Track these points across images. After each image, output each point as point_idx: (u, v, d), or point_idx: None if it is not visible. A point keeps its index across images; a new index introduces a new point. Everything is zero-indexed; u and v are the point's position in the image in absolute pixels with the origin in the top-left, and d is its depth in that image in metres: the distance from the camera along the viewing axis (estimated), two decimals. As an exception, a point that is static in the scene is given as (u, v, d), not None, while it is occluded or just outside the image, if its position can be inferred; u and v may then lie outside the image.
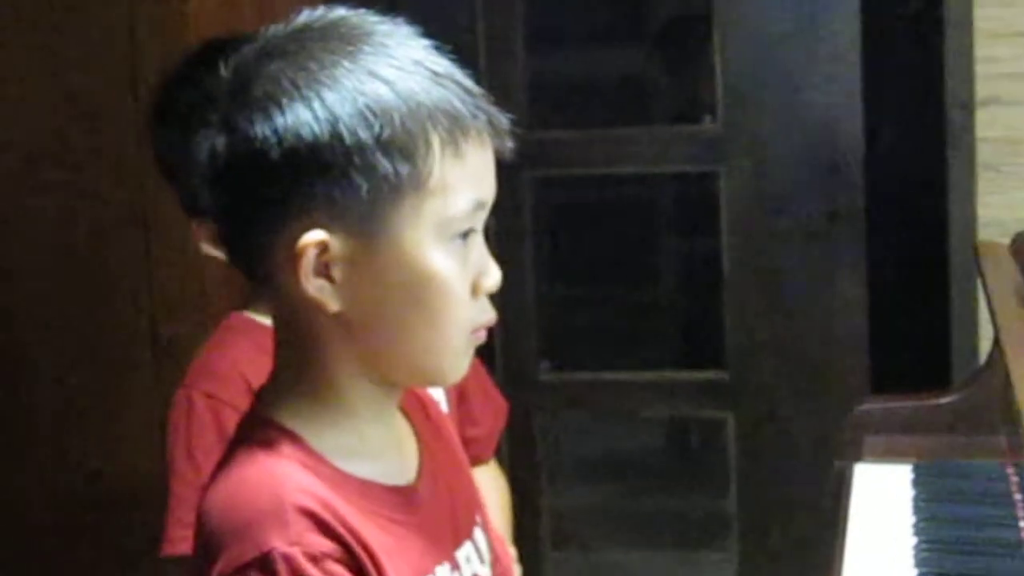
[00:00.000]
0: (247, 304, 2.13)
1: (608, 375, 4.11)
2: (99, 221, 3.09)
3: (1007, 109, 3.29)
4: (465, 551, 1.50)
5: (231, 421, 1.94)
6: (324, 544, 1.30)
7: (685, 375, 4.06)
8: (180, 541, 1.99)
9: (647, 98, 4.23)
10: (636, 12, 4.29)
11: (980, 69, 3.32)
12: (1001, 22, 3.28)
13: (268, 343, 1.95)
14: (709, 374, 3.91)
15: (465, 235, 1.36)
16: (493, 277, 1.39)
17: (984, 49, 3.30)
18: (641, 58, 4.27)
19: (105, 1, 3.08)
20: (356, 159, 1.30)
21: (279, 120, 1.30)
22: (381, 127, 1.30)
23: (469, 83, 1.37)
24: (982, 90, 3.32)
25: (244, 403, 1.95)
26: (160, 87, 2.20)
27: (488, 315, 1.41)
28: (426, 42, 1.38)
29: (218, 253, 2.08)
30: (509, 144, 1.38)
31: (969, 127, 3.34)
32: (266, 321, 2.03)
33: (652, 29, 4.31)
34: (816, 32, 3.65)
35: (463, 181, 1.34)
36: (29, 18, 3.16)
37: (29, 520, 3.30)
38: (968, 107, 3.34)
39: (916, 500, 2.18)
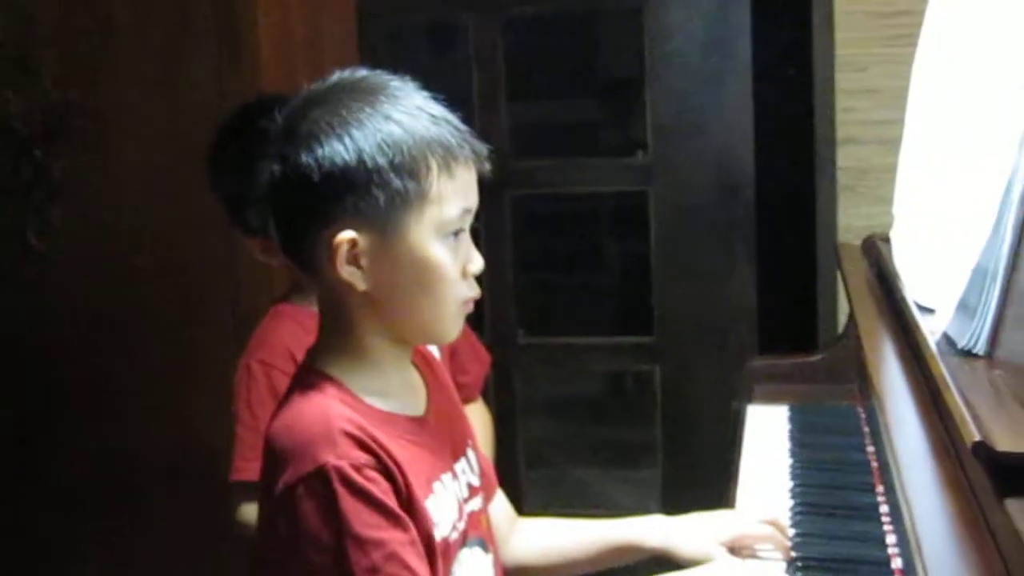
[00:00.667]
0: (289, 296, 2.15)
1: (568, 339, 4.09)
2: (200, 228, 3.06)
3: (860, 147, 3.28)
4: (461, 465, 1.54)
5: (279, 381, 1.99)
6: (363, 457, 1.33)
7: (623, 339, 4.04)
8: (243, 471, 2.02)
9: (596, 137, 4.23)
10: (589, 74, 4.29)
11: (840, 117, 3.32)
12: (856, 83, 3.28)
13: (305, 323, 2.02)
14: (641, 338, 3.90)
15: (456, 233, 1.41)
16: (477, 263, 1.44)
17: (843, 102, 3.31)
18: (592, 108, 4.27)
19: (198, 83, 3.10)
20: (376, 179, 1.35)
21: (319, 152, 1.35)
22: (393, 155, 1.35)
23: (458, 123, 1.42)
24: (841, 132, 3.32)
25: (289, 368, 2.01)
26: (215, 139, 2.19)
27: (474, 291, 1.45)
28: (426, 93, 1.42)
29: (265, 259, 2.12)
30: (487, 166, 1.43)
31: (832, 159, 3.34)
32: (303, 308, 2.07)
33: (600, 87, 4.31)
34: (720, 90, 3.65)
35: (454, 194, 1.39)
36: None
37: (135, 467, 3.27)
38: (831, 144, 3.34)
39: (791, 431, 2.18)
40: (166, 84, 3.14)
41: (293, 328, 2.05)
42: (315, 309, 1.99)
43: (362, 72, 1.44)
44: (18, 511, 3.34)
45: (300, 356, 1.95)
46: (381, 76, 1.43)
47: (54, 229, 3.26)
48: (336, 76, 1.43)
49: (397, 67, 1.49)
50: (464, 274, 1.43)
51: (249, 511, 2.00)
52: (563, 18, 4.12)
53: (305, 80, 1.47)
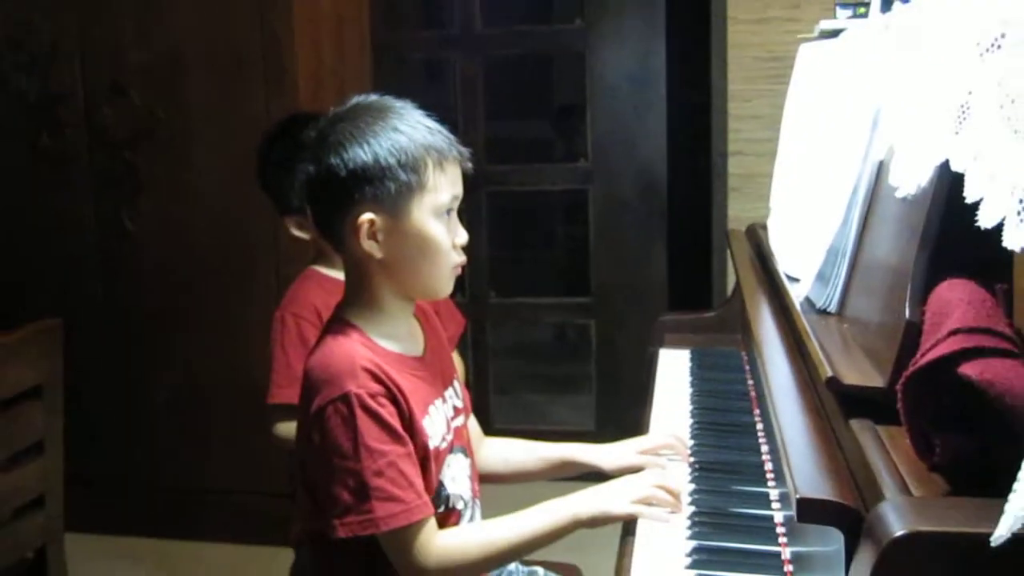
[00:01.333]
0: (315, 262, 2.13)
1: (527, 299, 4.08)
2: (251, 213, 3.06)
3: (746, 158, 3.28)
4: (449, 392, 1.54)
5: (305, 329, 1.99)
6: (377, 388, 1.34)
7: (568, 299, 4.04)
8: (277, 396, 2.01)
9: (550, 148, 4.23)
10: (546, 100, 4.29)
11: (731, 136, 3.31)
12: (743, 110, 3.28)
13: (326, 285, 2.01)
14: (581, 299, 3.89)
15: (448, 213, 1.41)
16: (463, 236, 1.44)
17: (733, 124, 3.30)
18: (547, 126, 4.27)
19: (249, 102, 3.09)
20: (388, 174, 1.35)
21: (345, 155, 1.35)
22: (400, 156, 1.36)
23: (447, 132, 1.42)
24: (732, 147, 3.31)
25: (313, 319, 2.01)
26: (262, 143, 2.17)
27: (462, 258, 1.45)
28: (422, 112, 1.43)
29: (301, 234, 2.10)
30: (469, 164, 1.44)
31: (725, 167, 3.34)
32: (327, 272, 2.06)
33: (553, 111, 4.31)
34: (642, 113, 3.64)
35: (446, 184, 1.39)
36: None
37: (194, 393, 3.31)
38: (724, 156, 3.34)
39: (691, 369, 2.18)
40: (225, 103, 3.15)
41: (317, 289, 2.04)
42: (336, 274, 2.01)
43: (374, 96, 1.44)
44: (115, 414, 3.40)
45: (322, 310, 1.98)
46: (389, 99, 1.44)
47: (142, 215, 3.28)
48: (355, 99, 1.43)
49: (402, 92, 1.48)
50: (454, 246, 1.43)
51: (282, 428, 2.00)
52: (527, 58, 4.11)
53: (331, 100, 1.47)
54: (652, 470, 1.61)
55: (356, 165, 1.35)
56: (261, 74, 3.08)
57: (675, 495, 1.46)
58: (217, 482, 3.32)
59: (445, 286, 1.46)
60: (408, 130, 1.37)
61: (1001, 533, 0.68)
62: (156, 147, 3.22)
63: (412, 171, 1.36)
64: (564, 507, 1.42)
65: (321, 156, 1.38)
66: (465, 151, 1.43)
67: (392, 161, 1.35)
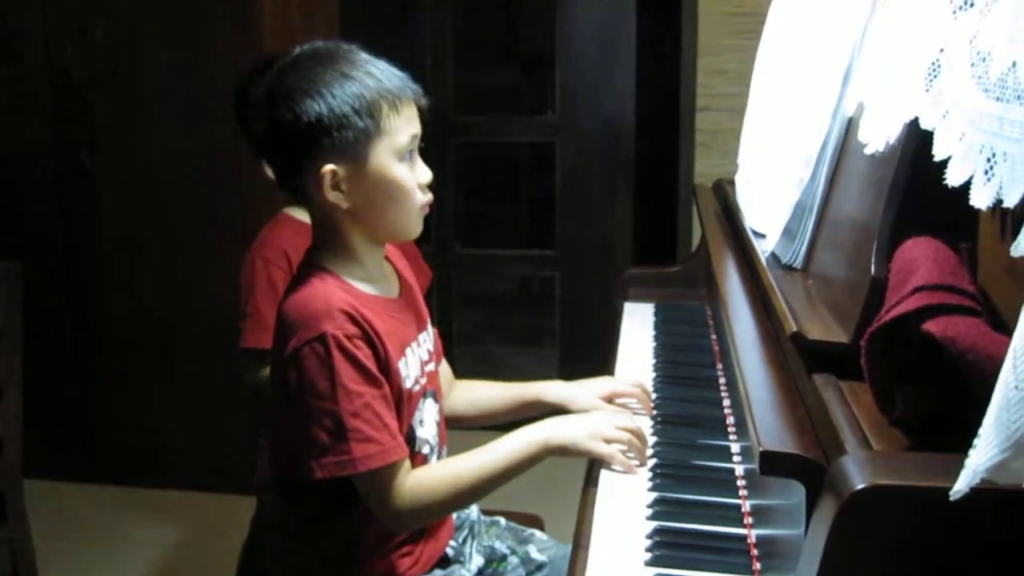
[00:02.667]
0: (286, 206, 2.12)
1: (492, 251, 4.10)
2: (214, 155, 3.06)
3: (713, 113, 3.28)
4: (423, 336, 1.54)
5: (274, 273, 1.99)
6: (353, 329, 1.34)
7: (534, 251, 4.05)
8: (250, 340, 2.02)
9: (519, 99, 4.20)
10: (515, 50, 4.25)
11: (699, 91, 3.31)
12: (712, 66, 3.28)
13: (298, 230, 2.00)
14: (547, 251, 3.90)
15: (410, 155, 1.40)
16: (426, 175, 1.43)
17: (702, 79, 3.30)
18: (515, 77, 4.24)
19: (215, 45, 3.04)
20: (344, 122, 1.34)
21: (297, 109, 1.34)
22: (354, 103, 1.34)
23: (397, 71, 1.40)
24: (700, 102, 3.31)
25: (282, 263, 2.00)
26: (241, 84, 2.14)
27: (428, 197, 1.44)
28: (367, 55, 1.41)
29: (272, 176, 2.08)
30: (424, 102, 1.42)
31: (692, 122, 3.34)
32: (298, 216, 2.05)
33: (522, 61, 4.27)
34: (611, 66, 3.63)
35: (402, 125, 1.38)
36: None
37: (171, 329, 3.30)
38: (692, 111, 3.34)
39: (655, 322, 2.18)
40: (191, 45, 3.12)
41: (289, 233, 2.04)
42: (305, 218, 2.00)
43: (319, 43, 1.42)
44: (76, 359, 3.38)
45: (292, 254, 1.98)
46: (333, 44, 1.42)
47: (101, 153, 3.25)
48: (297, 49, 1.41)
49: (371, 39, 1.46)
50: (419, 185, 1.42)
51: (252, 375, 2.01)
52: (496, 6, 4.08)
53: (298, 44, 1.44)
54: (623, 412, 1.62)
55: (311, 117, 1.33)
56: (227, 15, 3.04)
57: (644, 442, 1.48)
58: (181, 428, 3.31)
59: (414, 227, 1.45)
60: (359, 75, 1.36)
61: (960, 487, 0.69)
62: (118, 87, 3.18)
63: (368, 116, 1.35)
64: (533, 433, 1.44)
65: (273, 112, 1.36)
66: (418, 87, 1.42)
67: (346, 109, 1.34)
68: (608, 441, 1.45)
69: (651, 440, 1.56)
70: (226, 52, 3.03)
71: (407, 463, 1.39)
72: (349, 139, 1.34)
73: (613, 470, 1.45)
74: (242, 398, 2.17)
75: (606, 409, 1.65)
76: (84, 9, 3.15)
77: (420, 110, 1.42)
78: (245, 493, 2.24)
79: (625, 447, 1.46)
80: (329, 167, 1.35)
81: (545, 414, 1.60)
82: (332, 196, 1.37)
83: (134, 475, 3.33)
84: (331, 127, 1.33)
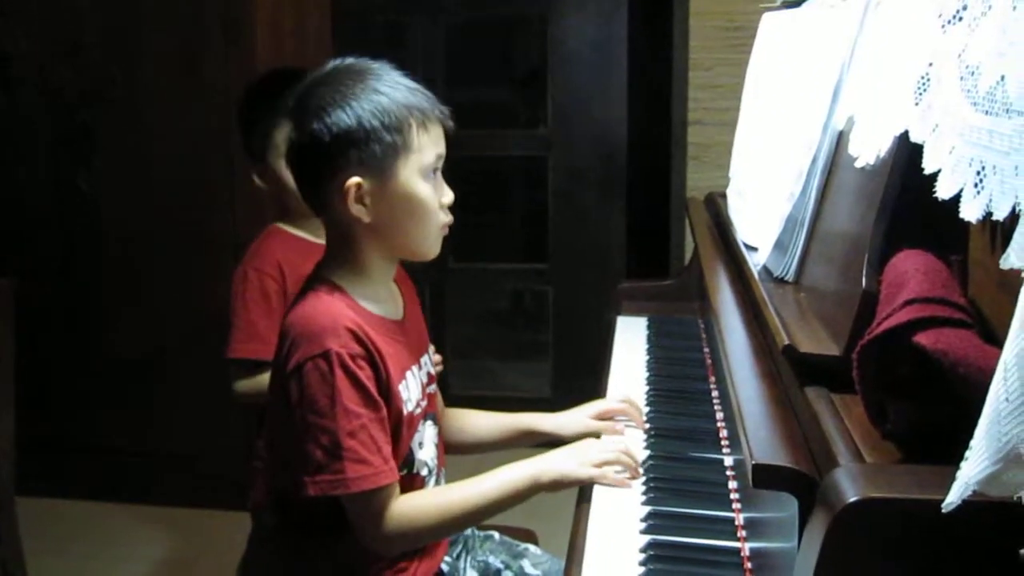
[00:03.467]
0: (278, 219, 2.11)
1: (485, 264, 4.10)
2: (208, 172, 3.06)
3: (705, 127, 3.29)
4: (424, 359, 1.54)
5: (267, 284, 1.99)
6: (358, 349, 1.34)
7: (527, 265, 4.06)
8: (237, 351, 2.00)
9: (512, 114, 4.20)
10: (507, 66, 4.25)
11: (691, 105, 3.32)
12: (703, 80, 3.28)
13: (290, 243, 2.00)
14: (539, 265, 3.91)
15: (434, 174, 1.40)
16: (449, 196, 1.44)
17: (693, 94, 3.31)
18: (508, 92, 4.24)
19: (207, 62, 3.04)
20: (372, 136, 1.34)
21: (327, 120, 1.34)
22: (384, 118, 1.34)
23: (427, 91, 1.41)
24: (692, 116, 3.32)
25: (275, 274, 2.00)
26: (243, 98, 2.15)
27: (449, 218, 1.45)
28: (401, 72, 1.41)
29: (260, 183, 2.08)
30: (451, 123, 1.43)
31: (684, 136, 3.35)
32: (290, 230, 2.05)
33: (516, 77, 4.27)
34: (603, 81, 3.65)
35: (429, 144, 1.38)
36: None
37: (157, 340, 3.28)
38: (684, 125, 3.35)
39: (648, 336, 2.18)
40: (182, 62, 3.12)
41: (281, 245, 2.04)
42: (299, 232, 2.00)
43: (352, 59, 1.42)
44: (72, 377, 3.36)
45: (284, 266, 1.97)
46: (366, 61, 1.42)
47: (97, 175, 3.25)
48: (332, 63, 1.42)
49: (362, 55, 1.46)
50: (441, 206, 1.42)
51: (243, 384, 2.00)
52: (488, 22, 4.08)
53: (290, 62, 1.45)
54: (612, 436, 1.62)
55: (340, 129, 1.33)
56: (220, 35, 3.04)
57: (635, 460, 1.47)
58: (176, 445, 3.29)
59: (433, 246, 1.45)
60: (389, 91, 1.36)
61: (952, 499, 0.69)
62: (112, 107, 3.18)
63: (396, 132, 1.35)
64: (523, 470, 1.42)
65: (303, 122, 1.36)
66: (446, 109, 1.43)
67: (376, 123, 1.34)
68: (597, 464, 1.45)
69: (644, 454, 1.56)
70: (219, 69, 3.03)
71: (396, 488, 1.38)
72: (376, 153, 1.34)
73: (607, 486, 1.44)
74: (238, 415, 2.15)
75: (598, 429, 1.66)
76: (76, 27, 3.15)
77: (446, 131, 1.43)
78: (241, 510, 2.23)
79: (616, 466, 1.46)
80: (354, 180, 1.35)
81: (539, 445, 1.60)
82: (355, 210, 1.36)
83: (129, 492, 3.31)
84: (359, 140, 1.34)
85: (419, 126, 1.37)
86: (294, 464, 1.35)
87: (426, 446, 1.50)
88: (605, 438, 1.59)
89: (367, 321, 1.38)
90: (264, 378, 1.92)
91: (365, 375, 1.33)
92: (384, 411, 1.36)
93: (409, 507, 1.38)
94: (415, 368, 1.48)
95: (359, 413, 1.32)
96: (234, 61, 3.01)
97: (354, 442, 1.31)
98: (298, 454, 1.34)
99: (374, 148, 1.34)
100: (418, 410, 1.46)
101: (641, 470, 1.50)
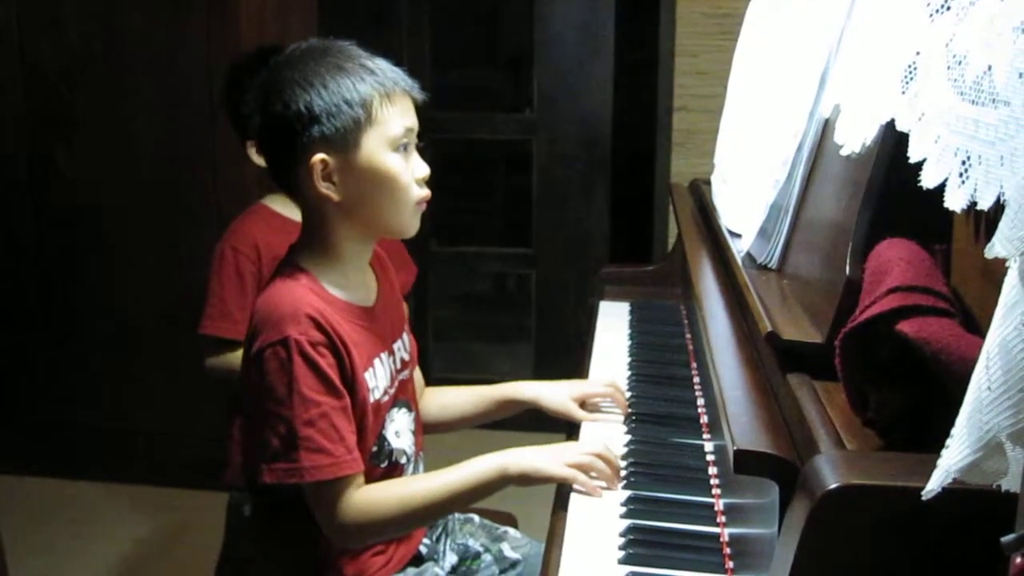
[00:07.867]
0: (262, 197, 2.11)
1: (468, 248, 4.09)
2: (189, 149, 3.05)
3: (689, 114, 3.31)
4: (397, 344, 1.52)
5: (243, 264, 1.99)
6: (319, 336, 1.32)
7: (510, 249, 4.06)
8: (208, 327, 2.02)
9: (497, 97, 4.20)
10: (493, 50, 4.25)
11: (676, 91, 3.33)
12: (689, 66, 3.30)
13: (272, 222, 2.00)
14: (523, 249, 3.90)
15: (405, 147, 1.39)
16: (423, 170, 1.42)
17: (679, 80, 3.32)
18: (493, 75, 4.24)
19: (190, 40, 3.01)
20: (333, 110, 1.33)
21: (287, 99, 1.34)
22: (345, 93, 1.33)
23: (391, 66, 1.40)
24: (677, 103, 3.33)
25: (252, 255, 2.00)
26: (228, 75, 2.14)
27: (425, 192, 1.43)
28: (363, 51, 1.40)
29: (258, 160, 2.07)
30: (420, 96, 1.42)
31: (669, 122, 3.36)
32: (277, 208, 2.05)
33: (501, 61, 4.27)
34: (589, 66, 3.64)
35: (396, 115, 1.37)
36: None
37: (142, 315, 3.27)
38: (669, 111, 3.36)
39: (630, 321, 2.18)
40: (166, 39, 3.09)
41: (262, 224, 2.04)
42: (285, 211, 2.00)
43: (314, 40, 1.42)
44: (49, 354, 3.34)
45: (262, 247, 1.98)
46: (328, 41, 1.42)
47: (76, 151, 3.22)
48: (294, 45, 1.41)
49: (348, 37, 1.46)
50: (415, 179, 1.41)
51: (214, 360, 2.03)
52: (474, 5, 4.07)
53: (274, 41, 1.44)
54: (593, 440, 1.61)
55: (300, 106, 1.33)
56: (202, 9, 3.02)
57: (614, 468, 1.42)
58: (153, 423, 3.29)
59: (409, 221, 1.43)
60: (352, 67, 1.36)
61: (932, 487, 0.69)
62: (92, 83, 3.15)
63: (359, 106, 1.34)
64: (491, 462, 1.39)
65: (266, 104, 1.36)
66: (413, 81, 1.41)
67: (337, 99, 1.33)
68: (572, 465, 1.40)
69: (625, 439, 1.56)
70: (201, 47, 3.01)
71: (360, 478, 1.36)
72: (339, 128, 1.33)
73: (577, 491, 1.39)
74: (215, 393, 2.15)
75: (577, 418, 1.65)
76: (55, 1, 3.12)
77: (416, 105, 1.42)
78: (219, 489, 2.23)
79: (595, 472, 1.40)
80: (319, 156, 1.34)
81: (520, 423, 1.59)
82: (323, 187, 1.35)
83: (108, 470, 3.30)
84: (321, 116, 1.33)
85: (383, 98, 1.36)
86: (254, 450, 1.34)
87: (403, 435, 1.50)
88: (584, 440, 1.56)
89: (333, 307, 1.37)
90: (232, 357, 1.94)
91: (326, 363, 1.32)
92: (347, 399, 1.35)
93: (369, 498, 1.35)
94: (384, 355, 1.46)
95: (318, 401, 1.31)
96: (216, 38, 2.99)
97: (311, 431, 1.30)
98: (257, 441, 1.33)
99: (336, 123, 1.33)
100: (386, 398, 1.45)
101: (621, 452, 1.50)
